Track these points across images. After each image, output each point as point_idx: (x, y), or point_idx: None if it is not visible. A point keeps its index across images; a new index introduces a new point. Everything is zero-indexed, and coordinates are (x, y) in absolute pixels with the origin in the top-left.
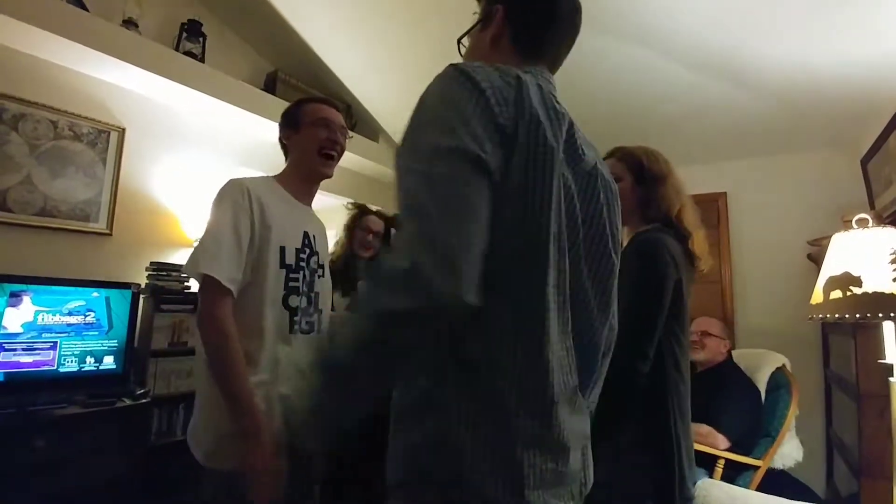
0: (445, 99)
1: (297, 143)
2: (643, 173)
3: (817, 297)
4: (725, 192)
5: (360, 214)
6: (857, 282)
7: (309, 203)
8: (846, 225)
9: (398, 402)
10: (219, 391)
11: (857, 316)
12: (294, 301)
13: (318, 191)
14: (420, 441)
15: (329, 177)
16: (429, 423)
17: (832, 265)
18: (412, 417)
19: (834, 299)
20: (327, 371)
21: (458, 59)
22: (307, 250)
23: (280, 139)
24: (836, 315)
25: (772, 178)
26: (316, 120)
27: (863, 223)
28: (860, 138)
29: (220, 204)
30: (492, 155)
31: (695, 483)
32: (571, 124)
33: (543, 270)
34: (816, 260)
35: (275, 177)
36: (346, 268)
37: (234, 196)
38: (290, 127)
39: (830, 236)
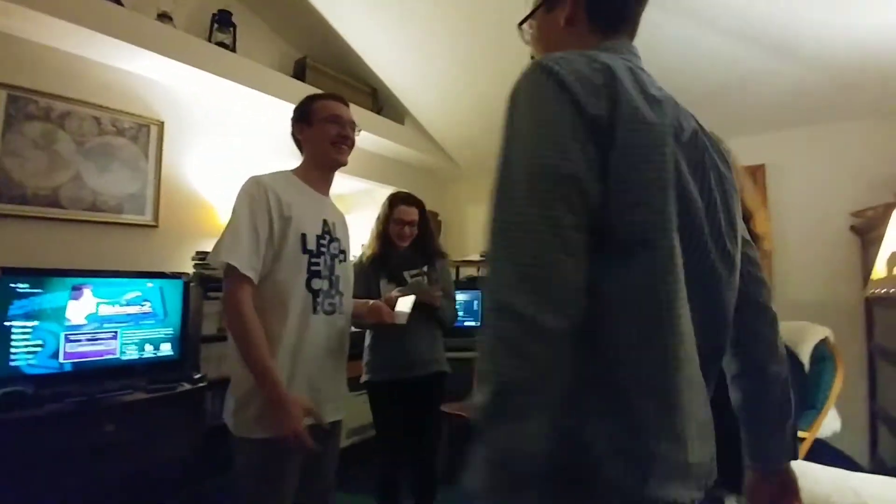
0: (533, 108)
1: (310, 137)
2: None
3: (879, 271)
4: (764, 165)
5: (391, 206)
6: None
7: (326, 192)
8: None
9: None
10: (245, 368)
11: None
12: (316, 284)
13: (346, 174)
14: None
15: (344, 164)
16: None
17: (895, 240)
18: None
19: None
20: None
21: (481, 42)
22: (327, 236)
23: (293, 134)
24: None
25: (812, 149)
26: (327, 116)
27: None
28: None
29: (240, 201)
30: (586, 163)
31: None
32: (675, 104)
33: (666, 261)
34: (861, 232)
35: (292, 171)
36: (386, 258)
37: (252, 193)
38: (303, 122)
39: (876, 208)
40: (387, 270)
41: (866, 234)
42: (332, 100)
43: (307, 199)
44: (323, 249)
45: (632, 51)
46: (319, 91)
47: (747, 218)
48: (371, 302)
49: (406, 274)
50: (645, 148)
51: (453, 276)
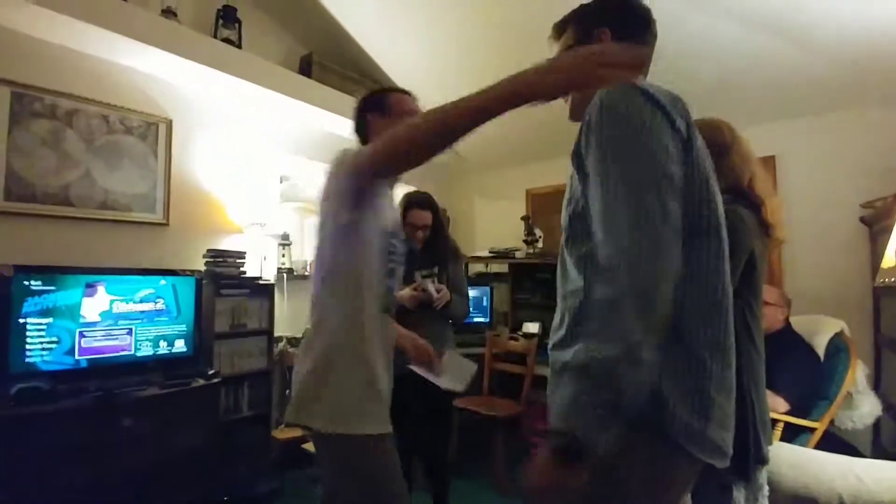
0: (635, 119)
1: (388, 127)
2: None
3: (889, 261)
4: (774, 156)
5: (404, 210)
6: None
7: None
8: None
9: None
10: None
11: None
12: (389, 283)
13: None
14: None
15: None
16: None
17: None
18: None
19: None
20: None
21: (488, 37)
22: (396, 235)
23: (362, 121)
24: None
25: (823, 139)
26: (407, 111)
27: None
28: None
29: None
30: (678, 166)
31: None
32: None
33: (722, 245)
34: (870, 222)
35: None
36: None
37: None
38: (380, 112)
39: (885, 198)
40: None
41: (875, 224)
42: (408, 95)
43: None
44: (392, 248)
45: None
46: (326, 87)
47: (758, 206)
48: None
49: (417, 274)
50: (704, 155)
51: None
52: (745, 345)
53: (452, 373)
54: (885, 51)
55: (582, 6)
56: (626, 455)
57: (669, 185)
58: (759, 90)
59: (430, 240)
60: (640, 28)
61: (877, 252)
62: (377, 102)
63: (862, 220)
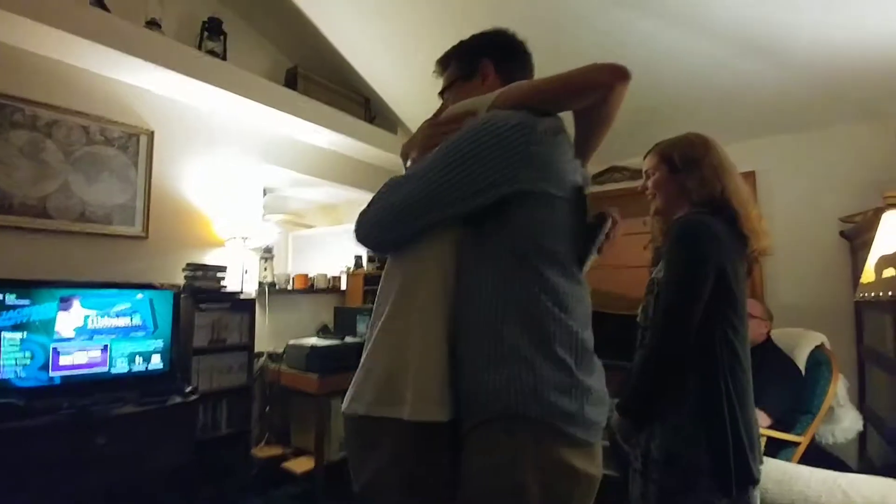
0: None
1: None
2: (674, 161)
3: (868, 275)
4: (754, 171)
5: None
6: None
7: None
8: (887, 201)
9: None
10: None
11: None
12: None
13: (338, 184)
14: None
15: None
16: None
17: (883, 244)
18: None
19: (887, 277)
20: None
21: None
22: None
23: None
24: (890, 293)
25: (802, 155)
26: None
27: None
28: (895, 112)
29: None
30: None
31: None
32: None
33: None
34: (850, 237)
35: None
36: None
37: None
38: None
39: (865, 213)
40: None
41: (855, 238)
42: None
43: None
44: None
45: None
46: (312, 99)
47: (733, 217)
48: None
49: None
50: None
51: None
52: (726, 361)
53: None
54: (859, 69)
55: (460, 42)
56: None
57: None
58: (739, 108)
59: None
60: (516, 56)
61: (857, 266)
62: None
63: (842, 234)
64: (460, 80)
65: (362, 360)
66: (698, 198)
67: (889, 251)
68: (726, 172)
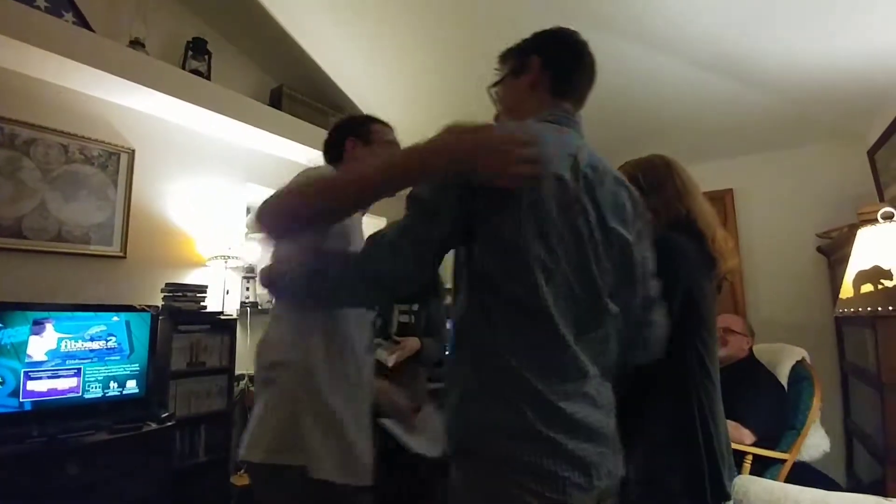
0: None
1: (366, 155)
2: (639, 182)
3: (847, 291)
4: (732, 189)
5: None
6: (888, 275)
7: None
8: (861, 217)
9: None
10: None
11: (891, 308)
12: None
13: None
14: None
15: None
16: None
17: (860, 260)
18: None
19: (865, 293)
20: None
21: (456, 71)
22: None
23: (338, 144)
24: (868, 308)
25: (778, 173)
26: (388, 142)
27: (888, 216)
28: (866, 130)
29: None
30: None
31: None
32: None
33: None
34: (827, 252)
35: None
36: None
37: None
38: (361, 139)
39: (841, 228)
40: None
41: (833, 254)
42: (389, 128)
43: (358, 222)
44: None
45: (577, 121)
46: (297, 119)
47: (700, 238)
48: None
49: (396, 308)
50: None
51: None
52: (699, 378)
53: (428, 433)
54: (831, 89)
55: (524, 39)
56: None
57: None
58: (715, 127)
59: None
60: (571, 58)
61: (835, 280)
62: (360, 128)
63: (819, 249)
64: (510, 76)
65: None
66: (665, 219)
67: (866, 267)
68: (689, 195)
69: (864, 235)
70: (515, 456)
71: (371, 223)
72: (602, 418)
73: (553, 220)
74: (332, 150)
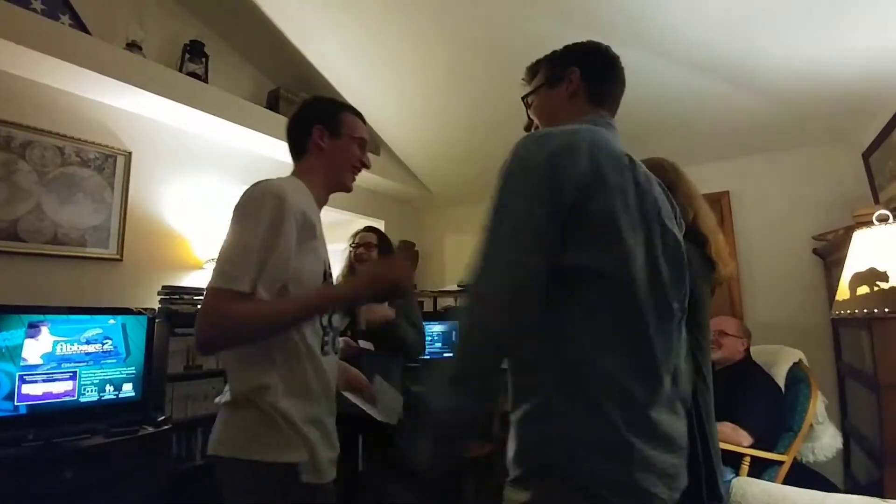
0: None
1: (334, 151)
2: None
3: (843, 293)
4: (728, 191)
5: (353, 238)
6: (884, 277)
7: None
8: (857, 220)
9: None
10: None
11: (887, 310)
12: (325, 320)
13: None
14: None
15: (350, 191)
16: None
17: (856, 262)
18: None
19: (861, 295)
20: None
21: (453, 73)
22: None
23: (304, 131)
24: (865, 310)
25: (774, 175)
26: (357, 137)
27: (883, 219)
28: (861, 133)
29: (252, 216)
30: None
31: (726, 482)
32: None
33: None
34: (823, 254)
35: (300, 177)
36: None
37: (271, 207)
38: (330, 131)
39: (837, 230)
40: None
41: (828, 256)
42: (361, 119)
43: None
44: (330, 279)
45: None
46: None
47: (702, 243)
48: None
49: (363, 307)
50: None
51: (431, 307)
52: (695, 381)
53: (385, 402)
54: (826, 92)
55: (553, 51)
56: None
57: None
58: (711, 130)
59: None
60: (607, 69)
61: (832, 282)
62: (329, 116)
63: (815, 251)
64: (545, 86)
65: None
66: None
67: (862, 269)
68: (696, 199)
69: (859, 237)
70: (605, 472)
71: (360, 224)
72: (680, 427)
73: (631, 204)
74: (297, 137)
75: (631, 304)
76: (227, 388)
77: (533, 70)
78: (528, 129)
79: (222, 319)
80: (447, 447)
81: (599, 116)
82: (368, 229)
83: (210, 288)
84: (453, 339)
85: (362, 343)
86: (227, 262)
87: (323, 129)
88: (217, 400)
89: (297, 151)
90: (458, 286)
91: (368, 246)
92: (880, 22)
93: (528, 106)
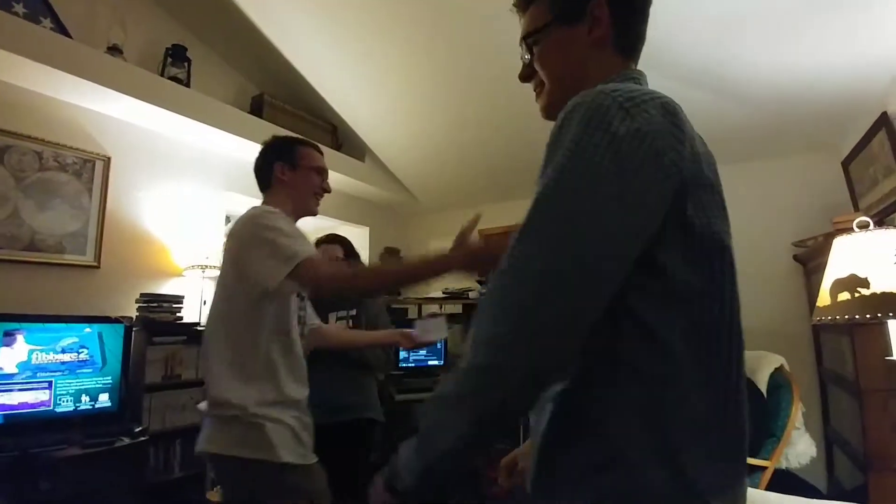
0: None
1: (295, 181)
2: None
3: (824, 299)
4: None
5: (316, 246)
6: (865, 283)
7: None
8: (837, 227)
9: None
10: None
11: (868, 316)
12: (296, 331)
13: None
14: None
15: (315, 215)
16: None
17: (836, 268)
18: None
19: (842, 301)
20: None
21: (437, 79)
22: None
23: (267, 169)
24: (846, 316)
25: (756, 183)
26: (315, 167)
27: (863, 226)
28: (840, 142)
29: (271, 229)
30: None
31: None
32: None
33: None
34: (803, 261)
35: (275, 209)
36: (318, 300)
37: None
38: (288, 164)
39: (817, 237)
40: (318, 313)
41: (808, 262)
42: (317, 150)
43: None
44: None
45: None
46: (278, 126)
47: None
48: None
49: (332, 315)
50: None
51: (416, 314)
52: None
53: (432, 330)
54: (806, 102)
55: None
56: None
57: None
58: None
59: None
60: (640, 9)
61: (812, 289)
62: (286, 152)
63: (795, 258)
64: (556, 22)
65: None
66: None
67: (842, 275)
68: None
69: (840, 244)
70: None
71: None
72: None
73: (716, 197)
74: (262, 175)
75: (723, 335)
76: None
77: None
78: (524, 79)
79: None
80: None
81: (640, 75)
82: (332, 239)
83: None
84: (438, 346)
85: None
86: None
87: (283, 165)
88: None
89: (263, 186)
90: (444, 293)
91: (336, 259)
92: (858, 33)
93: (529, 50)
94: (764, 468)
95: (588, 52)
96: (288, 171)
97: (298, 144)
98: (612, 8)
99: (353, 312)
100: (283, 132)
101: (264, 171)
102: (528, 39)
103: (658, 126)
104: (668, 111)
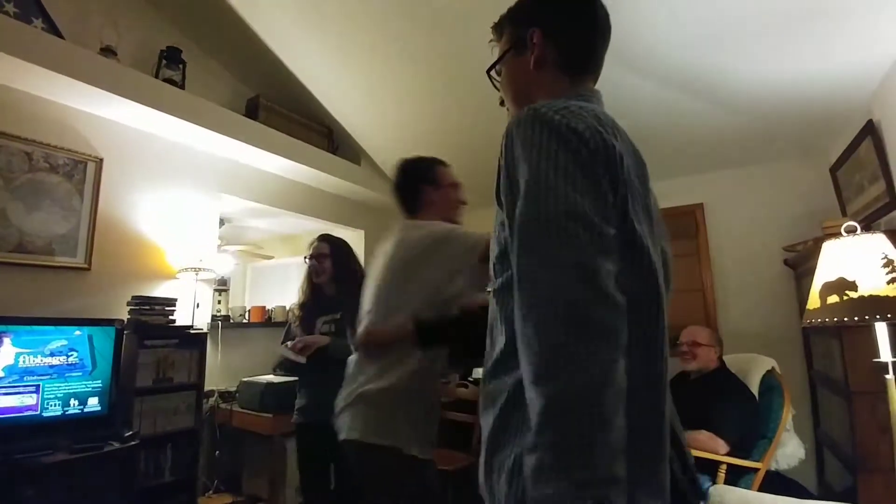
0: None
1: (438, 199)
2: None
3: (814, 302)
4: (703, 203)
5: (308, 249)
6: (853, 286)
7: None
8: (826, 231)
9: None
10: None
11: (856, 318)
12: None
13: (302, 215)
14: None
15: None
16: None
17: (825, 272)
18: None
19: (831, 304)
20: None
21: (432, 82)
22: None
23: (416, 192)
24: (835, 319)
25: (746, 189)
26: (452, 183)
27: (851, 230)
28: (828, 148)
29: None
30: None
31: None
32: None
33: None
34: (793, 265)
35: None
36: (312, 305)
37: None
38: (430, 183)
39: (806, 242)
40: (307, 318)
41: (798, 266)
42: (449, 168)
43: None
44: None
45: (602, 101)
46: (273, 129)
47: None
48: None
49: (319, 321)
50: None
51: None
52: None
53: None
54: (795, 109)
55: (516, 3)
56: None
57: None
58: (686, 145)
59: (336, 278)
60: (578, 21)
61: (802, 292)
62: (429, 174)
63: (786, 262)
64: (511, 52)
65: None
66: None
67: (831, 279)
68: None
69: (828, 248)
70: None
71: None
72: None
73: (638, 195)
74: (411, 198)
75: (654, 326)
76: None
77: (498, 29)
78: (501, 103)
79: None
80: None
81: (583, 90)
82: (322, 238)
83: None
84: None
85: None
86: None
87: (429, 187)
88: None
89: (412, 209)
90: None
91: (321, 258)
92: (845, 43)
93: (498, 76)
94: (756, 469)
95: (531, 75)
96: (433, 191)
97: (435, 165)
98: (545, 31)
99: (338, 316)
100: (277, 134)
101: (413, 194)
102: (492, 70)
103: (584, 127)
104: (600, 121)
